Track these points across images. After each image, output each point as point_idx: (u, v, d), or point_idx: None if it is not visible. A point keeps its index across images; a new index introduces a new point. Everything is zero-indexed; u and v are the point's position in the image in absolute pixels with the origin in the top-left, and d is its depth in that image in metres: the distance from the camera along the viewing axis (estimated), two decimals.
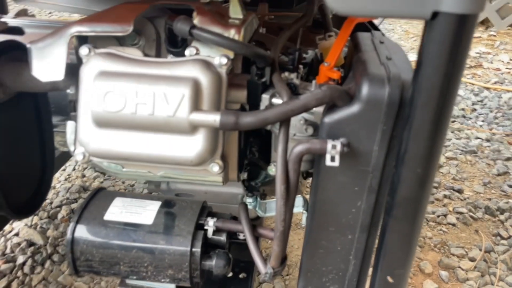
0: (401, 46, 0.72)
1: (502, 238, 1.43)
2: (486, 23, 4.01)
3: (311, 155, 0.73)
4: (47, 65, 0.68)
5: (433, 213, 1.53)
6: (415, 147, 0.56)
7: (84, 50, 0.67)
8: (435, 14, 0.47)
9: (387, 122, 0.59)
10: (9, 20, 1.09)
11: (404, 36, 3.87)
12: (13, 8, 1.79)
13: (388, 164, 0.62)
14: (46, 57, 0.68)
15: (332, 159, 0.58)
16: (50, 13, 3.50)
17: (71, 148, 0.72)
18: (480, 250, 1.36)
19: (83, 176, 1.68)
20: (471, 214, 1.53)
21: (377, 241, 0.69)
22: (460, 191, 1.67)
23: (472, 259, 1.33)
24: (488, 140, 2.06)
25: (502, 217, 1.52)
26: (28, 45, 0.69)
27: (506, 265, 1.31)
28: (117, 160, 0.68)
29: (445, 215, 1.52)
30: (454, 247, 1.37)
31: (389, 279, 0.67)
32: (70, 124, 0.72)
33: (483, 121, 2.26)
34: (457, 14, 0.46)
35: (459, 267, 1.30)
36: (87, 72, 0.65)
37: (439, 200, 1.61)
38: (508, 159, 1.91)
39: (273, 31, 1.00)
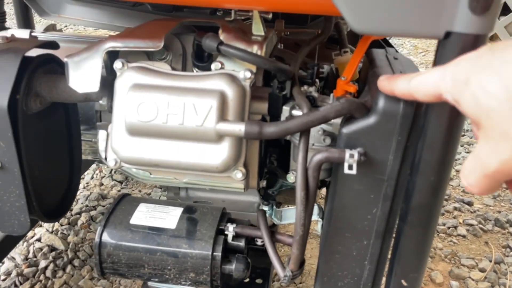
0: (413, 62, 0.76)
1: None
2: (495, 39, 4.05)
3: (328, 164, 0.77)
4: (83, 77, 0.73)
5: (444, 224, 1.55)
6: (429, 156, 0.60)
7: (118, 64, 0.72)
8: (448, 34, 0.51)
9: (401, 133, 0.62)
10: (39, 34, 1.15)
11: (413, 51, 3.91)
12: (39, 22, 1.86)
13: (402, 173, 0.66)
14: (82, 70, 0.74)
15: (350, 167, 0.62)
16: (65, 26, 3.59)
17: (103, 155, 0.77)
18: (490, 261, 1.38)
19: (101, 184, 1.73)
20: (481, 226, 1.55)
21: (391, 246, 0.72)
22: (470, 204, 1.69)
23: (482, 270, 1.35)
24: None
25: (511, 230, 1.55)
26: (65, 59, 0.74)
27: None
28: (147, 166, 0.72)
29: (455, 227, 1.54)
30: (465, 258, 1.39)
31: (403, 282, 0.70)
32: (101, 133, 0.77)
33: None
34: (469, 34, 0.50)
35: (470, 277, 1.32)
36: (121, 84, 0.70)
37: (449, 212, 1.64)
38: None
39: (290, 46, 1.05)
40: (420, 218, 0.64)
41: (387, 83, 0.56)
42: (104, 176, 1.77)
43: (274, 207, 1.07)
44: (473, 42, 0.50)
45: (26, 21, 1.56)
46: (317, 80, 0.90)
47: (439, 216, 0.65)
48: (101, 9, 1.43)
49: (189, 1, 0.70)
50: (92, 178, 1.76)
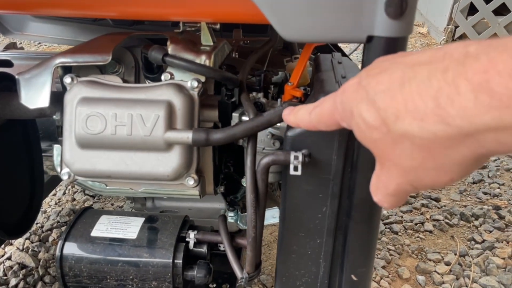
0: (357, 66, 0.80)
1: (476, 242, 1.49)
2: (464, 38, 4.16)
3: (280, 166, 0.79)
4: (34, 94, 0.74)
5: (411, 221, 1.59)
6: (365, 154, 0.62)
7: (67, 79, 0.73)
8: (370, 38, 0.54)
9: (342, 133, 0.65)
10: None
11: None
12: (2, 40, 1.85)
13: (346, 171, 0.68)
14: (32, 86, 0.75)
15: (295, 168, 0.64)
16: (39, 44, 3.58)
17: (58, 169, 0.78)
18: (455, 254, 1.42)
19: (73, 199, 1.73)
20: (447, 221, 1.60)
21: None
22: (437, 200, 1.73)
23: (447, 263, 1.39)
24: None
25: (476, 223, 1.59)
26: (16, 76, 0.76)
27: (479, 267, 1.37)
28: (100, 178, 0.73)
29: (422, 223, 1.58)
30: (431, 253, 1.43)
31: (353, 277, 0.72)
32: (56, 147, 0.78)
33: None
34: (388, 37, 0.53)
35: (435, 271, 1.35)
36: (70, 99, 0.71)
37: (417, 209, 1.68)
38: (483, 167, 1.99)
39: (247, 54, 1.07)
40: (362, 214, 0.67)
41: (292, 118, 0.55)
42: (77, 191, 1.77)
43: (239, 212, 1.09)
44: (394, 44, 0.53)
45: None
46: (271, 86, 0.93)
47: (381, 212, 0.68)
48: (63, 25, 1.45)
49: (136, 15, 0.72)
50: (64, 193, 1.76)
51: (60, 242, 0.85)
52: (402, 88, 0.35)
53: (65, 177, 0.74)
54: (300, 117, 0.52)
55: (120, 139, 0.69)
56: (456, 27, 4.03)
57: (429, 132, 0.33)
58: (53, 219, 1.57)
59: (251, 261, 0.74)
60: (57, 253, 0.84)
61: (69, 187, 1.80)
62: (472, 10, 3.95)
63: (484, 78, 0.29)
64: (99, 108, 0.69)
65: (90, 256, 0.84)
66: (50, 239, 1.47)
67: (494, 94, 0.29)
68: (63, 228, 1.52)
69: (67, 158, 0.72)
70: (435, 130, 0.33)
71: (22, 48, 1.30)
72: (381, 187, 0.43)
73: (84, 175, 0.73)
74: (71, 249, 0.85)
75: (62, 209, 1.63)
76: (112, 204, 1.66)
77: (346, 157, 0.67)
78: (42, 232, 1.50)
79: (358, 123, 0.40)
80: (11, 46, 1.23)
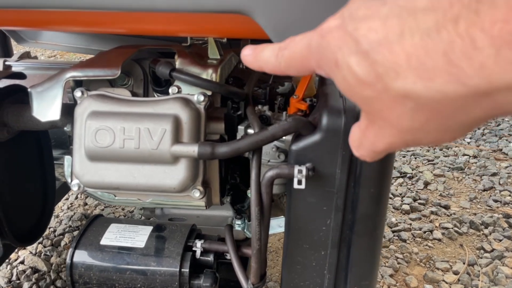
0: None
1: (486, 251, 1.48)
2: None
3: (284, 179, 0.80)
4: (45, 107, 0.77)
5: (420, 229, 1.59)
6: (368, 169, 0.63)
7: (78, 93, 0.75)
8: None
9: (345, 147, 0.66)
10: (13, 63, 1.19)
11: None
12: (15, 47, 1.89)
13: (350, 185, 0.69)
14: (44, 100, 0.77)
15: (299, 182, 0.65)
16: (53, 52, 3.64)
17: (68, 180, 0.80)
18: (464, 263, 1.42)
19: (85, 204, 1.76)
20: (456, 229, 1.59)
21: None
22: (446, 207, 1.72)
23: (456, 273, 1.38)
24: (475, 157, 2.13)
25: (486, 231, 1.58)
26: (29, 89, 0.78)
27: (488, 277, 1.36)
28: (108, 189, 0.75)
29: (431, 231, 1.57)
30: (439, 262, 1.42)
31: None
32: (67, 159, 0.80)
33: (470, 138, 2.33)
34: None
35: (443, 280, 1.35)
36: (80, 113, 0.73)
37: (426, 216, 1.67)
38: (494, 174, 1.97)
39: None
40: (365, 228, 0.67)
41: (252, 59, 0.45)
42: (88, 196, 1.80)
43: (246, 221, 1.10)
44: None
45: (4, 49, 1.59)
46: (277, 97, 0.94)
47: (384, 225, 0.69)
48: (76, 34, 1.48)
49: (145, 32, 0.74)
50: (76, 198, 1.79)
51: (70, 250, 0.87)
52: (401, 39, 0.30)
53: (75, 188, 0.76)
54: (264, 58, 0.44)
55: (128, 152, 0.70)
56: None
57: (438, 92, 0.29)
58: (65, 224, 1.60)
59: (255, 272, 0.75)
60: (67, 260, 0.87)
61: None
62: None
63: (506, 30, 0.25)
64: (108, 122, 0.71)
65: (100, 264, 0.86)
66: (62, 243, 1.50)
67: None
68: (75, 233, 1.55)
69: (77, 170, 0.74)
70: (446, 90, 0.29)
71: (35, 57, 1.33)
72: (367, 144, 0.39)
73: (93, 186, 0.75)
74: (81, 257, 0.87)
75: (74, 213, 1.66)
76: (123, 209, 1.69)
77: (349, 171, 0.68)
78: (55, 236, 1.53)
79: (345, 76, 0.33)
80: (25, 56, 1.26)
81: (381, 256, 1.04)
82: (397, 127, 0.34)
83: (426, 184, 1.88)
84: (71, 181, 0.78)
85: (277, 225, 1.02)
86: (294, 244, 0.77)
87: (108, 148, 0.70)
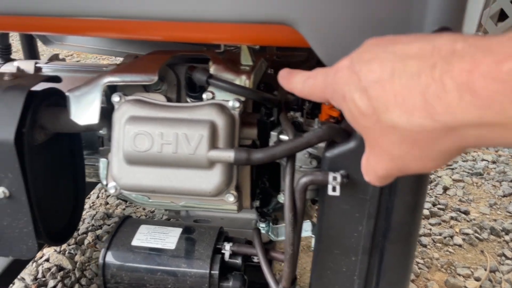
0: None
1: (507, 258, 1.48)
2: None
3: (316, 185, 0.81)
4: (83, 111, 0.79)
5: (440, 234, 1.59)
6: (404, 178, 0.64)
7: (115, 98, 0.77)
8: None
9: None
10: (43, 65, 1.21)
11: None
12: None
13: (384, 192, 0.70)
14: (82, 104, 0.79)
15: (334, 189, 0.66)
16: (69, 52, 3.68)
17: (104, 182, 0.82)
18: (485, 270, 1.41)
19: (106, 203, 1.78)
20: (476, 235, 1.58)
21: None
22: (466, 213, 1.72)
23: (477, 279, 1.38)
24: (494, 162, 2.11)
25: (507, 238, 1.57)
26: (66, 93, 0.80)
27: (510, 284, 1.35)
28: (144, 192, 0.77)
29: (451, 237, 1.57)
30: (460, 267, 1.42)
31: None
32: (102, 161, 0.82)
33: None
34: None
35: (465, 286, 1.35)
36: (119, 117, 0.75)
37: (446, 221, 1.67)
38: None
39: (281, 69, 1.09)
40: (399, 236, 0.68)
41: (286, 81, 0.56)
42: (110, 195, 1.82)
43: (271, 224, 1.11)
44: None
45: (31, 50, 1.62)
46: (306, 103, 0.95)
47: (418, 232, 0.69)
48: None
49: (180, 39, 0.75)
50: (97, 197, 1.82)
51: (103, 251, 0.88)
52: (392, 80, 0.36)
53: (112, 191, 0.78)
54: (293, 84, 0.54)
55: (165, 156, 0.72)
56: (486, 33, 3.96)
57: (416, 125, 0.35)
58: (88, 223, 1.63)
59: (287, 276, 0.76)
60: (100, 261, 0.88)
61: (103, 190, 1.86)
62: (502, 16, 3.87)
63: (468, 78, 0.31)
64: (147, 127, 0.72)
65: (131, 264, 0.88)
66: (86, 242, 1.52)
67: (477, 94, 0.31)
68: (98, 231, 1.58)
69: (115, 173, 0.75)
70: (423, 124, 0.35)
71: (63, 59, 1.36)
72: (370, 170, 0.46)
73: (130, 189, 0.76)
74: (113, 257, 0.88)
75: (97, 212, 1.69)
76: (144, 209, 1.71)
77: None
78: (78, 235, 1.55)
79: (350, 108, 0.41)
80: (54, 58, 1.29)
81: None
82: (390, 154, 0.40)
83: (445, 189, 1.88)
84: (107, 183, 0.79)
85: (303, 229, 1.02)
86: (325, 249, 0.78)
87: (146, 153, 0.72)
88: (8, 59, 1.27)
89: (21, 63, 1.17)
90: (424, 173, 0.45)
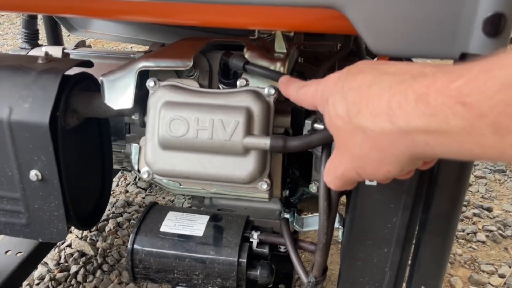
0: None
1: None
2: None
3: None
4: (117, 95, 0.79)
5: (463, 230, 1.57)
6: (447, 170, 0.63)
7: (150, 83, 0.77)
8: (463, 55, 0.54)
9: None
10: (71, 51, 1.21)
11: None
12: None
13: (421, 184, 0.69)
14: (116, 88, 0.79)
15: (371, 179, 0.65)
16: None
17: (135, 168, 0.82)
18: (510, 267, 1.39)
19: (126, 191, 1.79)
20: (500, 232, 1.56)
21: (410, 254, 0.75)
22: (489, 210, 1.70)
23: (502, 276, 1.36)
24: None
25: None
26: (100, 78, 0.80)
27: None
28: (178, 178, 0.77)
29: (474, 233, 1.55)
30: (484, 264, 1.40)
31: None
32: (134, 146, 0.82)
33: None
34: (483, 55, 0.53)
35: (489, 283, 1.33)
36: (154, 102, 0.75)
37: (469, 218, 1.65)
38: None
39: (309, 59, 1.08)
40: (439, 228, 0.67)
41: (283, 87, 0.64)
42: (129, 184, 1.83)
43: (296, 214, 1.11)
44: None
45: (55, 37, 1.63)
46: None
47: (457, 225, 0.68)
48: (126, 24, 1.50)
49: (216, 24, 0.74)
50: (117, 185, 1.83)
51: (131, 236, 0.89)
52: (369, 89, 0.42)
53: (145, 176, 0.78)
54: (290, 90, 0.62)
55: (200, 142, 0.72)
56: None
57: (378, 127, 0.41)
58: (109, 210, 1.64)
59: (319, 266, 0.75)
60: (129, 246, 0.89)
61: (122, 179, 1.87)
62: None
63: (425, 91, 0.37)
64: (182, 112, 0.72)
65: (160, 250, 0.88)
66: (107, 229, 1.53)
67: (428, 105, 0.36)
68: (118, 219, 1.59)
69: (149, 158, 0.75)
70: (383, 126, 0.40)
71: (89, 46, 1.36)
72: (332, 170, 0.51)
73: (164, 174, 0.76)
74: (142, 243, 0.88)
75: (117, 200, 1.70)
76: (164, 198, 1.72)
77: (423, 172, 0.67)
78: (99, 222, 1.56)
79: (329, 110, 0.47)
80: (81, 44, 1.29)
81: None
82: (351, 152, 0.46)
83: (467, 185, 1.86)
84: (140, 168, 0.79)
85: None
86: (356, 240, 0.77)
87: (181, 138, 0.72)
88: (35, 44, 1.28)
89: (48, 48, 1.17)
90: (378, 179, 0.49)
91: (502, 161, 0.37)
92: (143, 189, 1.81)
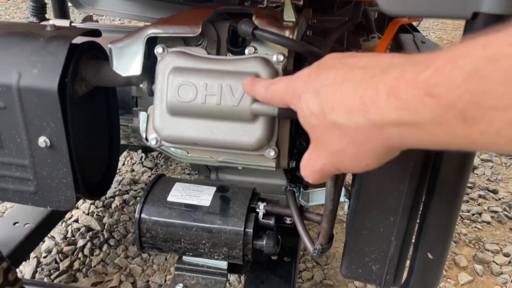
0: (440, 46, 0.79)
1: None
2: None
3: None
4: (126, 62, 0.79)
5: (468, 211, 1.57)
6: None
7: (159, 49, 0.76)
8: (475, 15, 0.53)
9: None
10: (79, 25, 1.21)
11: (438, 42, 3.87)
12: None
13: (429, 152, 0.68)
14: (125, 55, 0.79)
15: None
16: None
17: (143, 135, 0.82)
18: None
19: (132, 170, 1.80)
20: (505, 213, 1.56)
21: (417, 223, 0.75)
22: (495, 192, 1.69)
23: (506, 255, 1.37)
24: None
25: None
26: (109, 45, 0.80)
27: None
28: (186, 145, 0.77)
29: (480, 214, 1.55)
30: (489, 243, 1.41)
31: (429, 255, 0.73)
32: (142, 114, 0.82)
33: None
34: (495, 14, 0.52)
35: (494, 261, 1.33)
36: (162, 68, 0.75)
37: (474, 199, 1.65)
38: None
39: (317, 34, 1.08)
40: (446, 194, 0.67)
41: (248, 87, 0.64)
42: (135, 163, 1.84)
43: (302, 189, 1.11)
44: (499, 22, 0.53)
45: (62, 14, 1.63)
46: None
47: (465, 191, 0.68)
48: (133, 1, 1.49)
49: None
50: (123, 164, 1.84)
51: (139, 205, 0.89)
52: (341, 86, 0.42)
53: (153, 142, 0.78)
54: (257, 90, 0.62)
55: (209, 108, 0.72)
56: None
57: (353, 123, 0.41)
58: (115, 188, 1.65)
59: (325, 233, 0.76)
60: (136, 215, 0.89)
61: (128, 158, 1.87)
62: None
63: (395, 85, 0.37)
64: (191, 78, 0.72)
65: (167, 220, 0.88)
66: (113, 205, 1.55)
67: (399, 98, 0.36)
68: (124, 196, 1.60)
69: (157, 124, 0.75)
70: (358, 122, 0.40)
71: (97, 21, 1.36)
72: (310, 165, 0.51)
73: (172, 141, 0.76)
74: (149, 212, 0.89)
75: (123, 178, 1.71)
76: (177, 178, 1.73)
77: None
78: (106, 198, 1.58)
79: (303, 108, 0.47)
80: (88, 19, 1.29)
81: None
82: (329, 149, 0.46)
83: (473, 168, 1.85)
84: (148, 136, 0.80)
85: None
86: (362, 209, 0.77)
87: (190, 103, 0.72)
88: (43, 18, 1.28)
89: (56, 21, 1.17)
90: (357, 172, 0.49)
91: (474, 150, 0.37)
92: (149, 168, 1.82)
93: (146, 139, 0.80)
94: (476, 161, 1.91)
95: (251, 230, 0.87)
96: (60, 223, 1.43)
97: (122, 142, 1.33)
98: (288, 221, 1.11)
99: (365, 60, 0.43)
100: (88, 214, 1.48)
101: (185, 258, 0.97)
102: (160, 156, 1.87)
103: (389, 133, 0.39)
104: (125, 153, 1.88)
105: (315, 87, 0.45)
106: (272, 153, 0.76)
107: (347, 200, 0.97)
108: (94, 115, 0.95)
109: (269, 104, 0.61)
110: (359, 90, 0.40)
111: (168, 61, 0.75)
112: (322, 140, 0.46)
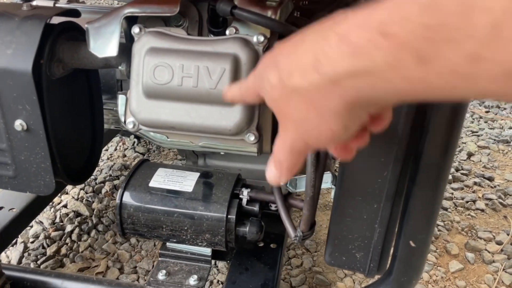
0: None
1: None
2: None
3: None
4: (102, 43, 0.76)
5: (462, 198, 1.55)
6: (438, 117, 0.60)
7: (136, 29, 0.74)
8: None
9: None
10: (63, 5, 1.18)
11: None
12: None
13: (413, 135, 0.66)
14: (101, 35, 0.76)
15: None
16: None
17: (122, 119, 0.80)
18: (508, 234, 1.38)
19: (124, 156, 1.79)
20: (500, 200, 1.54)
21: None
22: (490, 179, 1.67)
23: (499, 243, 1.35)
24: None
25: None
26: (86, 25, 0.77)
27: None
28: (163, 129, 0.75)
29: (474, 201, 1.53)
30: (482, 231, 1.39)
31: (411, 243, 0.71)
32: (121, 97, 0.79)
33: None
34: None
35: (486, 249, 1.32)
36: (138, 49, 0.72)
37: (469, 187, 1.62)
38: None
39: (307, 15, 1.05)
40: (429, 178, 0.65)
41: (229, 94, 0.61)
42: (127, 148, 1.82)
43: None
44: None
45: None
46: None
47: (448, 177, 0.66)
48: None
49: None
50: (115, 149, 1.82)
51: (120, 191, 0.88)
52: (297, 49, 0.40)
53: (130, 126, 0.76)
54: (233, 93, 0.60)
55: (185, 90, 0.69)
56: None
57: (308, 82, 0.38)
58: (106, 173, 1.63)
59: (306, 220, 0.74)
60: (117, 200, 0.88)
61: (120, 143, 1.86)
62: None
63: (346, 30, 0.34)
64: (167, 59, 0.69)
65: (148, 205, 0.87)
66: (103, 191, 1.53)
67: (351, 44, 0.33)
68: (115, 182, 1.58)
69: (133, 107, 0.73)
70: (312, 80, 0.38)
71: (83, 2, 1.33)
72: (280, 145, 0.47)
73: (149, 125, 0.74)
74: (130, 197, 0.88)
75: (114, 164, 1.69)
76: (161, 162, 1.71)
77: (414, 121, 0.65)
78: (96, 184, 1.56)
79: (265, 86, 0.44)
80: (74, 0, 1.26)
81: None
82: (292, 119, 0.43)
83: (470, 155, 1.82)
84: (126, 119, 0.77)
85: (323, 180, 1.00)
86: (346, 196, 0.76)
87: (166, 85, 0.69)
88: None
89: (40, 2, 1.14)
90: (325, 144, 0.44)
91: (433, 98, 0.34)
92: (141, 153, 1.80)
93: (124, 123, 0.78)
94: (473, 148, 1.88)
95: (234, 217, 0.85)
96: (48, 208, 1.42)
97: (112, 126, 1.31)
98: (273, 207, 1.10)
99: (326, 20, 0.40)
100: (77, 199, 1.47)
101: (168, 244, 0.96)
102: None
103: (345, 87, 0.36)
104: (117, 138, 1.86)
105: (274, 60, 0.43)
106: (252, 138, 0.74)
107: (333, 186, 0.96)
108: (74, 98, 0.92)
109: (248, 103, 0.60)
110: (313, 46, 0.38)
111: (144, 42, 0.72)
112: (286, 113, 0.43)
